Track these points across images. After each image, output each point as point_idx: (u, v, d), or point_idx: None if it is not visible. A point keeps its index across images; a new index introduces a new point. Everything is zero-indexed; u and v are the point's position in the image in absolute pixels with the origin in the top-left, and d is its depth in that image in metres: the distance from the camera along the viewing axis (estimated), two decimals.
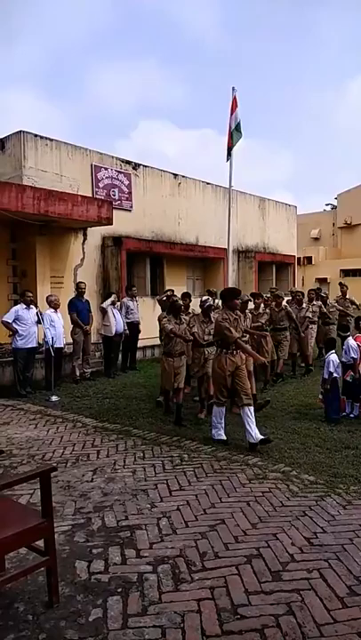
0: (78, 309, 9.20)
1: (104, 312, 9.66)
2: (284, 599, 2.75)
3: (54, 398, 7.76)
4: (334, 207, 38.67)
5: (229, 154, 10.13)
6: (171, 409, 6.77)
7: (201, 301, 7.07)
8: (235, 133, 10.09)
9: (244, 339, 6.36)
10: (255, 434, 5.30)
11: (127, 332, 9.97)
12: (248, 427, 5.32)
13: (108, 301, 9.67)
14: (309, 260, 34.34)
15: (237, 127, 10.11)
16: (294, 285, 17.54)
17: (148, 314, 10.79)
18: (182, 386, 6.80)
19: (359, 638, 2.44)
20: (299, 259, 22.40)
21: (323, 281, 33.44)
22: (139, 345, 10.86)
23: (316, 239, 38.06)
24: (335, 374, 6.44)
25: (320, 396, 6.71)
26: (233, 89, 10.06)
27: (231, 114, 10.09)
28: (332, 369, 6.42)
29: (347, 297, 12.17)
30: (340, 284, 12.89)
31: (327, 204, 40.44)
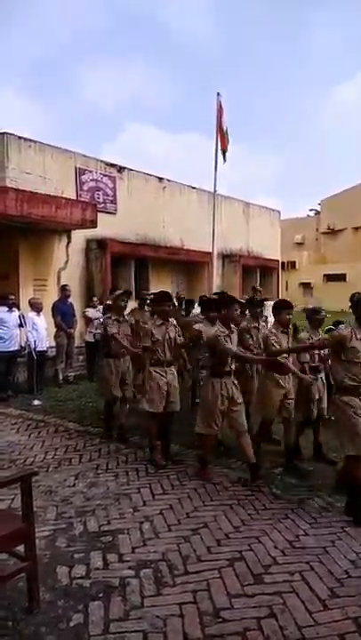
0: (62, 312, 9.14)
1: (88, 319, 9.66)
2: (266, 602, 2.76)
3: (36, 402, 7.67)
4: (318, 213, 39.14)
5: (224, 156, 10.14)
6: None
7: (309, 309, 5.19)
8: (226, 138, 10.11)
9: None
10: None
11: None
12: None
13: (92, 310, 9.71)
14: (293, 264, 34.68)
15: (226, 133, 10.14)
16: (278, 290, 17.67)
17: None
18: None
19: None
20: (283, 263, 22.57)
21: (306, 285, 33.82)
22: None
23: (300, 244, 38.48)
24: None
25: None
26: (218, 94, 10.10)
27: (220, 118, 10.12)
28: None
29: None
30: (253, 288, 10.70)
31: (311, 210, 40.94)
